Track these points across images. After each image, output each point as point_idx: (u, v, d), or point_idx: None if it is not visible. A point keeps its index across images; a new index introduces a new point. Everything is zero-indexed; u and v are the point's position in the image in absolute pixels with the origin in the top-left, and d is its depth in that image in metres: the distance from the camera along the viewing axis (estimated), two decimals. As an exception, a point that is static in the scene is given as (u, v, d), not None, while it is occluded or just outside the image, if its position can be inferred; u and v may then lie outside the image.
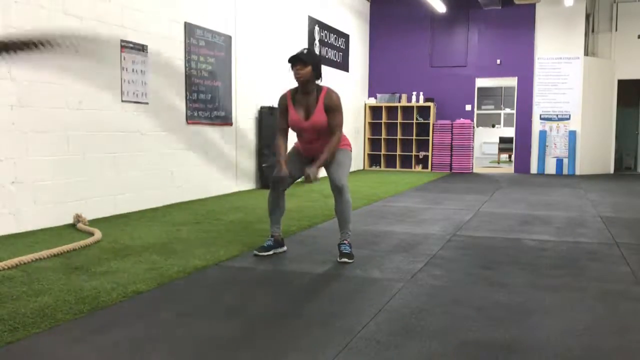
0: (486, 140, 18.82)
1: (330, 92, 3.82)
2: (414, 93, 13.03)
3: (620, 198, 7.85)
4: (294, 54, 3.77)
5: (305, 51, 3.76)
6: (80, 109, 5.31)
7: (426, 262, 3.85)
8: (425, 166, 13.16)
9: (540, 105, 12.46)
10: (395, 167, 13.37)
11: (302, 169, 3.98)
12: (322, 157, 3.78)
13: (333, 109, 3.79)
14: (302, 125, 3.82)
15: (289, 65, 3.76)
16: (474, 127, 12.94)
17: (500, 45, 12.59)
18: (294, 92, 3.89)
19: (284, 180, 3.89)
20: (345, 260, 3.78)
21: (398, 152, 13.30)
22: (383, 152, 13.41)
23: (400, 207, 6.69)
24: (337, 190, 3.82)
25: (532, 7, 12.26)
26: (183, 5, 6.76)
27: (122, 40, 5.78)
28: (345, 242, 3.89)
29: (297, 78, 3.75)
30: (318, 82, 3.86)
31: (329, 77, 11.28)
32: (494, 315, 2.74)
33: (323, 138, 3.84)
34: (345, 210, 3.87)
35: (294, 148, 4.05)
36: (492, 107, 19.54)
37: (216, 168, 7.54)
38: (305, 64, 3.71)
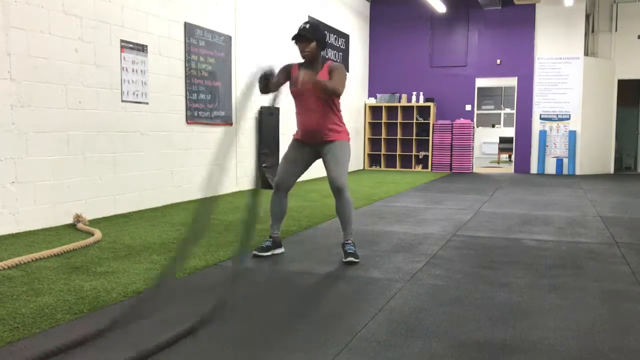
0: (486, 140, 18.82)
1: (334, 63, 3.78)
2: (414, 93, 13.04)
3: (620, 198, 7.85)
4: (297, 31, 3.70)
5: (307, 26, 3.69)
6: (80, 109, 5.32)
7: (426, 262, 3.85)
8: (425, 166, 13.16)
9: (540, 105, 12.46)
10: (395, 167, 13.37)
11: (303, 167, 3.95)
12: (321, 82, 3.63)
13: (336, 70, 3.70)
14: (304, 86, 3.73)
15: (293, 42, 3.71)
16: (474, 127, 12.95)
17: (500, 45, 12.59)
18: (300, 64, 3.86)
19: (288, 181, 3.87)
20: (352, 259, 3.74)
21: (398, 152, 13.30)
22: (383, 152, 13.41)
23: (400, 207, 6.69)
24: (337, 191, 3.78)
25: (532, 7, 12.26)
26: (183, 5, 6.76)
27: (122, 40, 5.78)
28: (349, 241, 3.86)
29: (304, 56, 3.71)
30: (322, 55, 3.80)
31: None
32: (494, 315, 2.74)
33: (322, 111, 3.76)
34: (346, 209, 3.83)
35: (292, 142, 3.98)
36: (492, 107, 19.54)
37: (216, 168, 7.54)
38: (310, 40, 3.66)
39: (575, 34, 12.10)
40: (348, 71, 12.24)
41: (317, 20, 3.77)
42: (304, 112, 3.84)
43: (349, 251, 3.80)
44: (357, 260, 3.77)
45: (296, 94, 3.84)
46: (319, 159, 3.94)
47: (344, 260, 3.78)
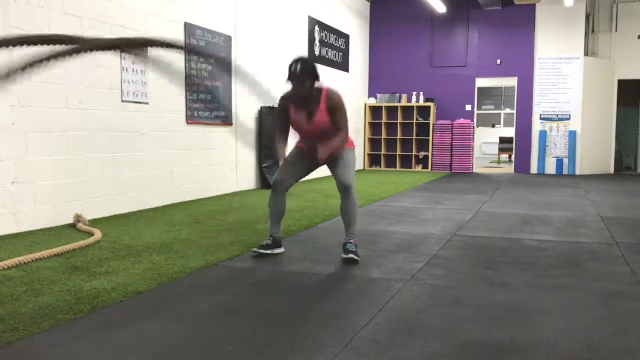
0: (486, 140, 18.81)
1: (330, 93, 3.74)
2: (414, 93, 13.04)
3: (620, 198, 7.85)
4: (288, 73, 3.63)
5: (298, 67, 3.59)
6: (80, 109, 5.32)
7: (426, 262, 3.85)
8: (425, 166, 13.16)
9: (540, 105, 12.47)
10: (395, 167, 13.37)
11: (304, 171, 3.98)
12: (332, 144, 3.72)
13: (336, 109, 3.73)
14: (304, 127, 3.78)
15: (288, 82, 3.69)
16: (474, 127, 12.95)
17: (500, 45, 12.59)
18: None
19: (286, 181, 3.88)
20: (352, 257, 3.74)
21: (398, 152, 13.30)
22: (383, 152, 13.41)
23: (400, 207, 6.69)
24: (345, 190, 3.80)
25: (532, 7, 12.26)
26: (183, 5, 6.76)
27: (122, 40, 5.77)
28: (351, 241, 3.86)
29: (298, 94, 3.68)
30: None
31: (329, 77, 11.29)
32: (494, 315, 2.74)
33: (327, 136, 3.79)
34: (351, 210, 3.85)
35: (295, 148, 4.02)
36: (492, 107, 19.54)
37: (216, 168, 7.55)
38: (303, 81, 3.61)
39: (575, 34, 12.10)
40: (348, 71, 12.25)
41: (305, 58, 3.76)
42: (308, 138, 3.88)
43: (350, 249, 3.80)
44: (357, 258, 3.76)
45: (298, 130, 3.86)
46: (322, 165, 3.96)
47: (344, 256, 3.77)
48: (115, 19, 5.69)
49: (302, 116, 3.77)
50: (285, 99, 3.84)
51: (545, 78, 12.37)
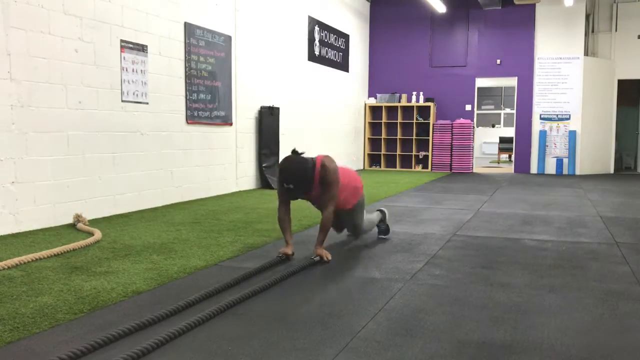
0: (486, 140, 18.82)
1: (324, 167, 3.75)
2: (414, 93, 13.04)
3: (620, 198, 7.85)
4: (284, 187, 3.66)
5: (291, 187, 3.63)
6: (80, 109, 5.32)
7: (426, 262, 3.85)
8: (425, 166, 13.17)
9: (540, 105, 12.47)
10: (395, 167, 13.37)
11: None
12: (320, 238, 3.81)
13: (327, 182, 3.75)
14: (301, 197, 3.87)
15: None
16: (474, 127, 12.95)
17: (500, 45, 12.60)
18: None
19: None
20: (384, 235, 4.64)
21: (398, 152, 13.31)
22: (383, 152, 13.41)
23: (400, 207, 6.69)
24: (356, 235, 4.51)
25: (532, 7, 12.27)
26: (183, 5, 6.76)
27: (122, 40, 5.78)
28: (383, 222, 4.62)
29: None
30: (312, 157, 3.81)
31: (329, 77, 11.29)
32: (494, 315, 2.74)
33: (322, 201, 3.87)
34: (372, 225, 4.51)
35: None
36: (492, 107, 19.54)
37: (216, 168, 7.55)
38: (299, 192, 3.69)
39: (575, 34, 12.10)
40: (348, 71, 12.25)
41: (293, 173, 3.75)
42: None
43: (382, 228, 4.64)
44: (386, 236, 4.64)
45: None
46: None
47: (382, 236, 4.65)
48: (115, 19, 5.69)
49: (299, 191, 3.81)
50: (283, 179, 3.74)
51: (545, 78, 12.37)
